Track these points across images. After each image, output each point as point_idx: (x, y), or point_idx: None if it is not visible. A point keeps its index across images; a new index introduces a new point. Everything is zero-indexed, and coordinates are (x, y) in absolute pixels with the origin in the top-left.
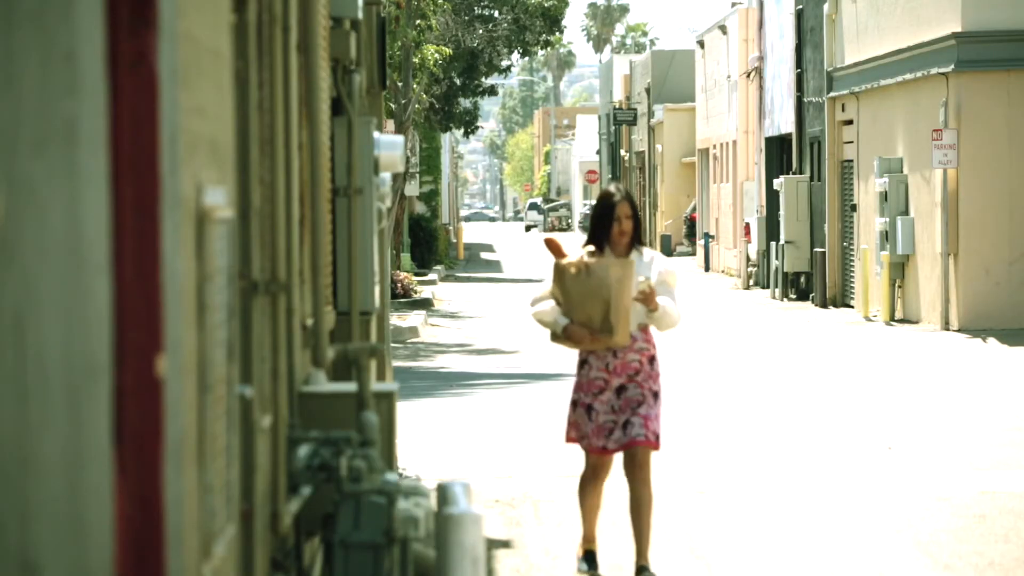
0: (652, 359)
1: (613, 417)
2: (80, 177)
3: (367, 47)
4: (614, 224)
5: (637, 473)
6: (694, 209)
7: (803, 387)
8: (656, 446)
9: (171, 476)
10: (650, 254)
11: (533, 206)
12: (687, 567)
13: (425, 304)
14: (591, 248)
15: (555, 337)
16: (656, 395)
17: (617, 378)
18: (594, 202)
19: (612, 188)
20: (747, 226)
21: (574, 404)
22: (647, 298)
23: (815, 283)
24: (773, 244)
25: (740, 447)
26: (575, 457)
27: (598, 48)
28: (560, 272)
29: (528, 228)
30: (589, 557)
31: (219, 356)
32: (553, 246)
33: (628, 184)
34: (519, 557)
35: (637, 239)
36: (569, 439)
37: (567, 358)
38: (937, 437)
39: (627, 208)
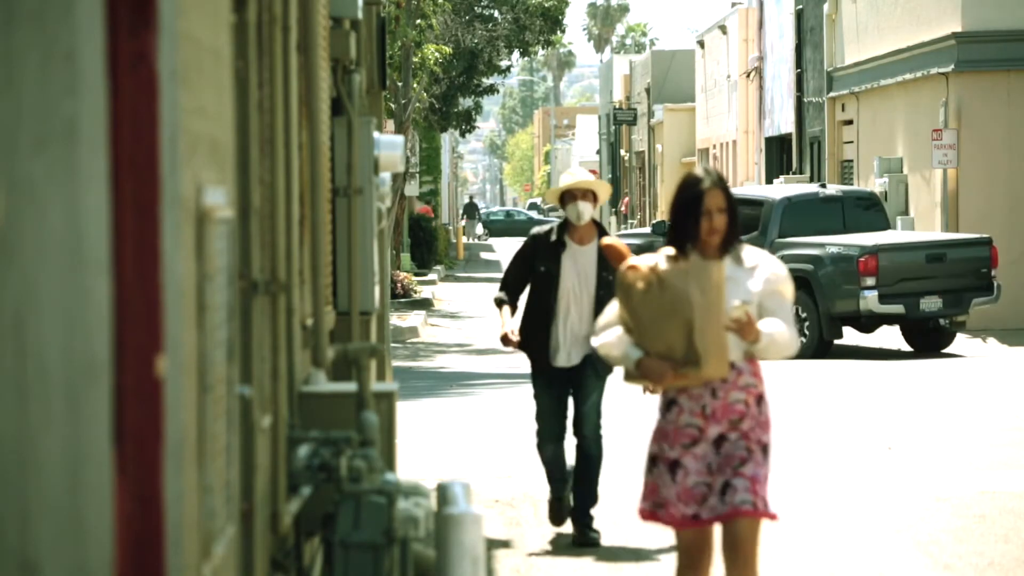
0: (760, 399)
1: (707, 479)
2: (80, 177)
3: (367, 47)
4: (702, 219)
5: (740, 553)
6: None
7: (802, 387)
8: (767, 515)
9: (171, 476)
10: (754, 256)
11: (533, 206)
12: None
13: (425, 304)
14: (670, 252)
15: (629, 376)
16: (765, 449)
17: (715, 425)
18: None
19: (699, 171)
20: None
21: (653, 460)
22: (742, 329)
23: None
24: None
25: None
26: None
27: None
28: (625, 287)
29: None
30: None
31: (219, 356)
32: (615, 252)
33: (628, 184)
34: (519, 557)
35: (734, 238)
36: (644, 514)
37: None
38: (937, 437)
39: (720, 198)
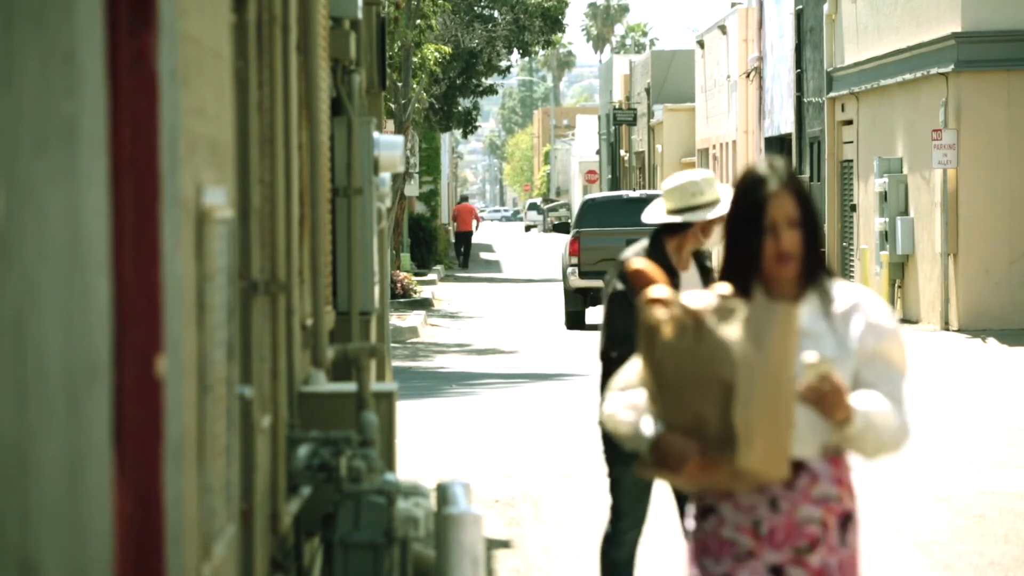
0: (847, 520)
1: None
2: (80, 177)
3: (367, 47)
4: (766, 237)
5: None
6: None
7: None
8: None
9: (171, 476)
10: (848, 296)
11: (533, 206)
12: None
13: (425, 304)
14: (725, 289)
15: (640, 463)
16: None
17: (773, 552)
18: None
19: (762, 166)
20: None
21: None
22: (822, 400)
23: None
24: None
25: None
26: (575, 457)
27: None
28: (648, 331)
29: (528, 228)
30: None
31: (219, 356)
32: (641, 279)
33: (628, 185)
34: (519, 557)
35: (817, 267)
36: None
37: (568, 358)
38: (937, 437)
39: (791, 205)
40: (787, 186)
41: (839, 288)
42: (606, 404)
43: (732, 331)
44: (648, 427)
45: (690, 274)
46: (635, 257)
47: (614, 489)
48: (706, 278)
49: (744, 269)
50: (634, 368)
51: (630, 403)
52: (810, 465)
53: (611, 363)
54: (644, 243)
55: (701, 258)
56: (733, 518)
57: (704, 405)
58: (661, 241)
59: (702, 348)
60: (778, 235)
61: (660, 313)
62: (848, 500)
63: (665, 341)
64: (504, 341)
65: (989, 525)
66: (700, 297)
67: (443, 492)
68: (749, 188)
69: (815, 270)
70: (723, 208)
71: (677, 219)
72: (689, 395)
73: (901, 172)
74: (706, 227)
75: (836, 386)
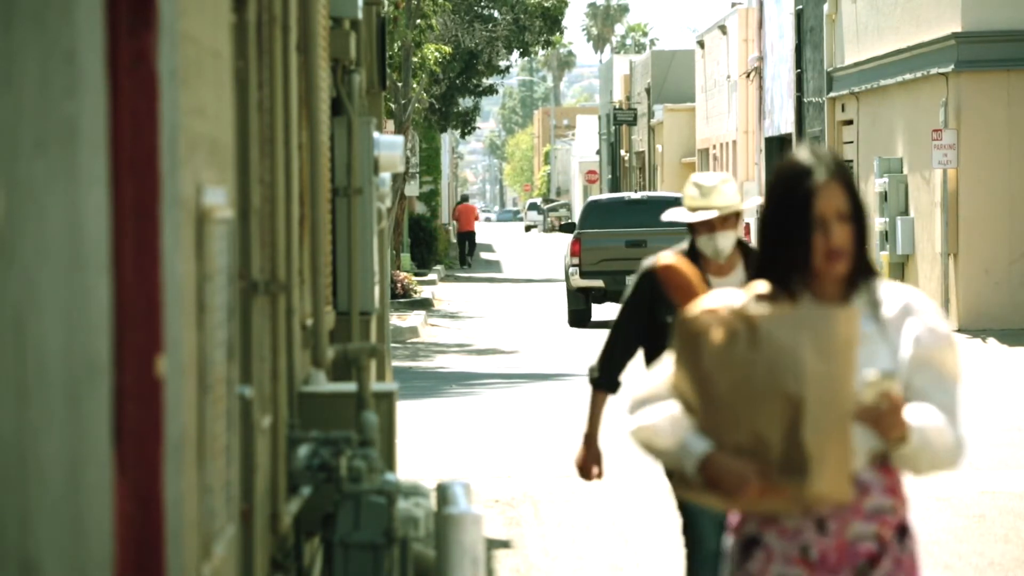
0: (903, 532)
1: None
2: (80, 177)
3: (367, 47)
4: (814, 233)
5: None
6: None
7: None
8: None
9: (171, 476)
10: (897, 297)
11: (533, 206)
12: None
13: (425, 304)
14: (762, 289)
15: (680, 484)
16: None
17: None
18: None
19: (806, 155)
20: (747, 226)
21: None
22: (882, 420)
23: None
24: None
25: None
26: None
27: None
28: (693, 338)
29: (528, 228)
30: None
31: (219, 356)
32: (676, 279)
33: (628, 185)
34: (519, 557)
35: (866, 266)
36: None
37: (568, 358)
38: None
39: (841, 197)
40: (835, 176)
41: (887, 288)
42: (634, 416)
43: (792, 338)
44: (697, 444)
45: (732, 278)
46: (665, 253)
47: (687, 524)
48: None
49: (788, 267)
50: (660, 376)
51: (666, 418)
52: (859, 476)
53: (598, 384)
54: (683, 244)
55: (749, 259)
56: (780, 548)
57: (764, 423)
58: (695, 253)
59: (759, 358)
60: (828, 230)
61: (707, 320)
62: (902, 510)
63: (714, 349)
64: (504, 341)
65: (989, 525)
66: (733, 296)
67: (443, 492)
68: (793, 179)
69: (863, 268)
70: (752, 202)
71: (693, 217)
72: (745, 412)
73: (901, 172)
74: (723, 223)
75: (894, 404)
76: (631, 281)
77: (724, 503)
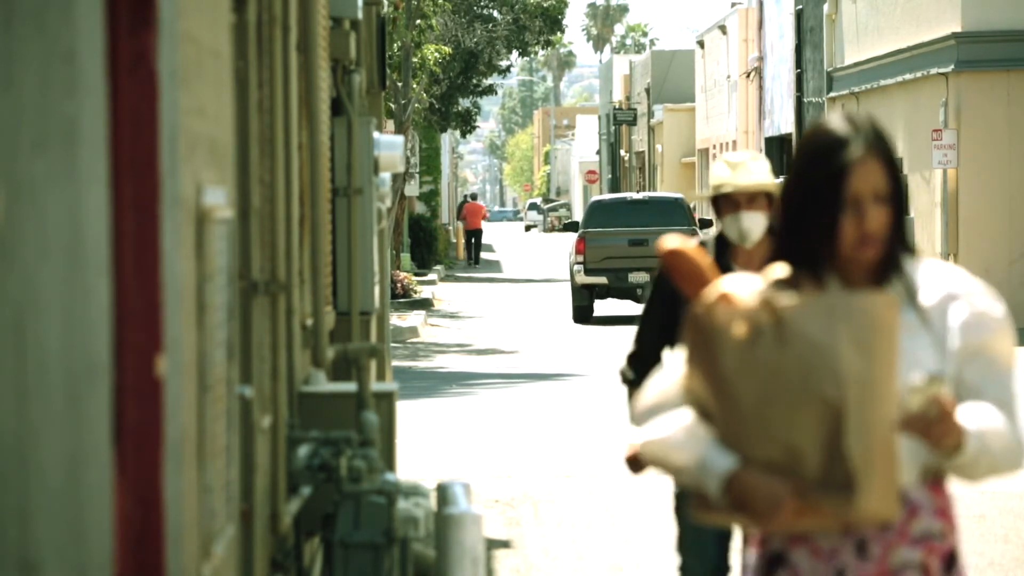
0: (951, 561)
1: None
2: (80, 177)
3: (367, 47)
4: (844, 214)
5: None
6: (694, 209)
7: None
8: None
9: (171, 476)
10: (935, 280)
11: (533, 206)
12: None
13: (425, 304)
14: (782, 273)
15: (700, 507)
16: None
17: None
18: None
19: (841, 125)
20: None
21: None
22: (932, 429)
23: None
24: None
25: None
26: (575, 457)
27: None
28: (709, 334)
29: (528, 228)
30: None
31: (219, 356)
32: (682, 263)
33: (628, 185)
34: (519, 557)
35: (902, 251)
36: None
37: (568, 358)
38: None
39: (879, 174)
40: (874, 150)
41: (926, 269)
42: (642, 427)
43: (825, 332)
44: (718, 459)
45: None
46: (670, 236)
47: (680, 531)
48: None
49: (812, 251)
50: (670, 379)
51: (681, 429)
52: (909, 495)
53: (631, 386)
54: (708, 239)
55: None
56: (810, 569)
57: (798, 433)
58: (724, 240)
59: (788, 356)
60: (861, 212)
61: (725, 312)
62: (952, 536)
63: (735, 347)
64: (504, 341)
65: (989, 525)
66: (748, 283)
67: (443, 492)
68: (824, 151)
69: (898, 254)
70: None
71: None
72: (776, 420)
73: (901, 172)
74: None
75: (946, 410)
76: (653, 276)
77: (754, 526)
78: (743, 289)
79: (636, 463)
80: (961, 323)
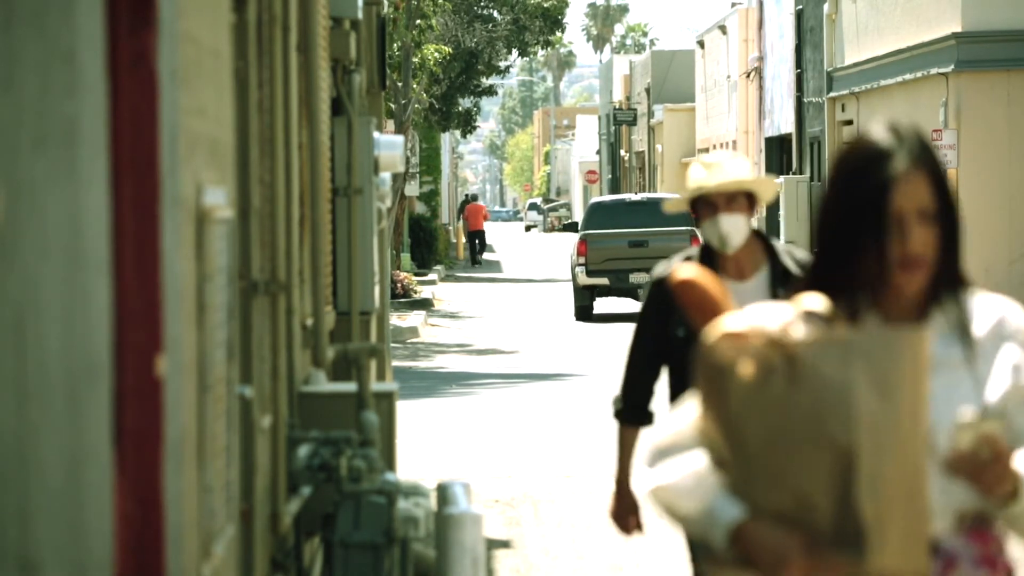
0: None
1: None
2: (80, 177)
3: (367, 47)
4: (889, 235)
5: None
6: None
7: None
8: None
9: (171, 476)
10: (986, 314)
11: (533, 206)
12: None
13: (425, 304)
14: (816, 306)
15: (707, 558)
16: None
17: None
18: (828, 173)
19: (883, 136)
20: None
21: None
22: (984, 471)
23: None
24: None
25: None
26: (575, 457)
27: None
28: (718, 373)
29: (528, 228)
30: None
31: (219, 356)
32: (694, 294)
33: (628, 185)
34: (519, 557)
35: (953, 278)
36: None
37: (568, 358)
38: None
39: (925, 191)
40: (920, 163)
41: (978, 303)
42: (652, 470)
43: (840, 371)
44: (725, 509)
45: (753, 285)
46: (682, 265)
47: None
48: (783, 289)
49: (848, 278)
50: (684, 418)
51: (689, 474)
52: (942, 546)
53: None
54: (692, 250)
55: (777, 261)
56: None
57: (809, 482)
58: (710, 250)
59: (800, 398)
60: (905, 233)
61: (735, 349)
62: None
63: (743, 388)
64: (504, 341)
65: None
66: (772, 314)
67: (443, 492)
68: (864, 165)
69: (949, 279)
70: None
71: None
72: (785, 466)
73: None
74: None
75: (1000, 452)
76: (643, 294)
77: None
78: (764, 322)
79: (624, 518)
80: (1013, 364)
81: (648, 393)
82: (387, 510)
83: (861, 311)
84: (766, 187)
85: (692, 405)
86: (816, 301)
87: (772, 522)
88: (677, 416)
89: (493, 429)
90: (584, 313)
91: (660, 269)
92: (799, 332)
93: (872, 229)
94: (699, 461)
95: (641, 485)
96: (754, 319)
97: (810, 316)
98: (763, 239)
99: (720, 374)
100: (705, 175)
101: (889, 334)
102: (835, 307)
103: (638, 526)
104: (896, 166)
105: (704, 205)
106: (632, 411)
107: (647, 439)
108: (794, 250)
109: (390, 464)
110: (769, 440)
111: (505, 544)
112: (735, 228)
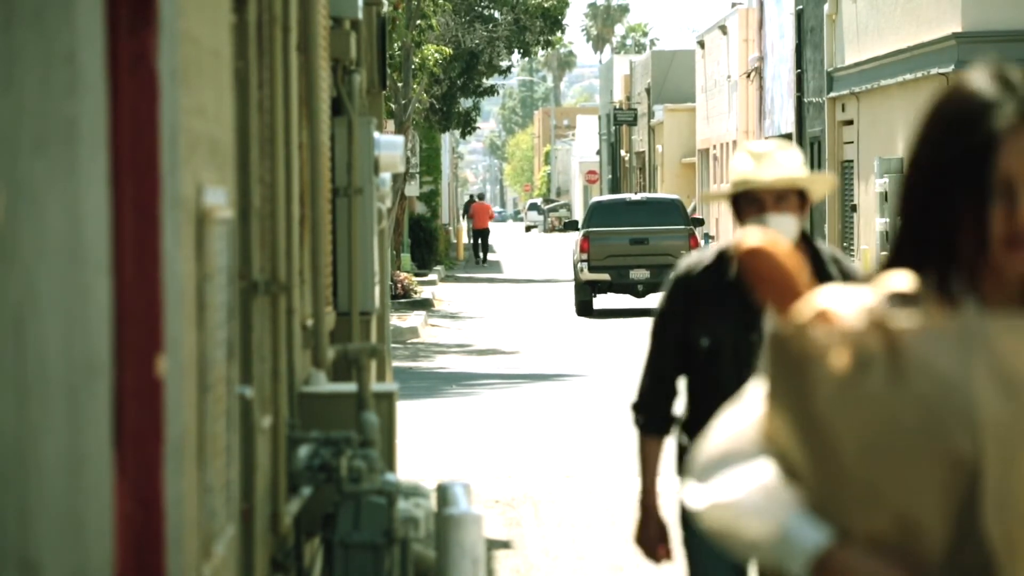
0: None
1: None
2: (80, 177)
3: (367, 47)
4: (994, 205)
5: None
6: (694, 209)
7: None
8: None
9: (171, 476)
10: None
11: (533, 206)
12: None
13: (425, 304)
14: (903, 286)
15: None
16: None
17: None
18: (913, 140)
19: (985, 84)
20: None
21: None
22: None
23: None
24: None
25: None
26: (575, 457)
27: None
28: (793, 364)
29: (528, 228)
30: None
31: (219, 356)
32: (768, 267)
33: (628, 185)
34: (519, 557)
35: None
36: None
37: (568, 358)
38: None
39: None
40: None
41: None
42: (705, 484)
43: (957, 365)
44: (805, 532)
45: None
46: (749, 230)
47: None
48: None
49: (942, 256)
50: (742, 422)
51: (758, 484)
52: None
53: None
54: (703, 256)
55: (822, 271)
56: None
57: (916, 499)
58: (725, 257)
59: (906, 396)
60: (1014, 201)
61: (825, 337)
62: None
63: (833, 383)
64: (504, 341)
65: None
66: (856, 297)
67: (443, 492)
68: (962, 119)
69: None
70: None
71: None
72: (885, 481)
73: (902, 172)
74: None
75: None
76: (662, 292)
77: None
78: (846, 304)
79: (651, 545)
80: None
81: (671, 399)
82: (387, 510)
83: (956, 295)
84: (821, 184)
85: (750, 404)
86: (904, 280)
87: (867, 549)
88: (732, 419)
89: (493, 429)
90: (585, 308)
91: (686, 262)
92: (902, 317)
93: (972, 197)
94: (766, 473)
95: (694, 503)
96: (841, 300)
97: (899, 299)
98: (809, 244)
99: (802, 365)
100: (753, 167)
101: (1012, 322)
102: (925, 288)
103: (667, 554)
104: (1003, 120)
105: (749, 201)
106: (656, 420)
107: (696, 448)
108: (842, 258)
109: (390, 464)
110: (864, 448)
111: (505, 544)
112: (784, 230)
